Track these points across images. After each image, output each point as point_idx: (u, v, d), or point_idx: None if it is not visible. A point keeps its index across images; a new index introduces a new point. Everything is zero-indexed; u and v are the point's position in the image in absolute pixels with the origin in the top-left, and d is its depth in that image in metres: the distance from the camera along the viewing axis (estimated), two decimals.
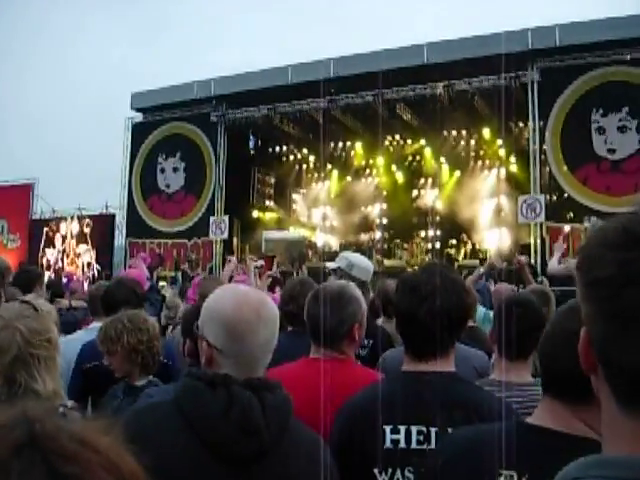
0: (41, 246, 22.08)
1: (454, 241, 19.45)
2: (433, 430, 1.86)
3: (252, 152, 21.90)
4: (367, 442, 1.90)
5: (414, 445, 1.87)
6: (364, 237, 21.59)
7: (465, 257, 18.42)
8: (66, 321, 4.28)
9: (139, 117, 21.41)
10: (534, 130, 15.60)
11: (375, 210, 22.13)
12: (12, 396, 1.90)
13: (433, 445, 1.84)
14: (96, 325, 3.56)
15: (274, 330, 1.69)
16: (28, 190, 23.26)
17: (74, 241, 21.71)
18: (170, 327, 5.42)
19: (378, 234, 21.68)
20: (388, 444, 1.88)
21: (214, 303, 1.71)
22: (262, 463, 1.52)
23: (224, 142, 19.58)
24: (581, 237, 13.09)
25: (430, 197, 21.43)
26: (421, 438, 1.87)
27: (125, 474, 0.62)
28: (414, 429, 1.88)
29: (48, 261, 21.58)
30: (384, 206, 22.01)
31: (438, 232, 20.63)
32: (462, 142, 20.18)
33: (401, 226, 21.11)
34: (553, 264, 6.02)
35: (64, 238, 21.86)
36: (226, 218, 19.25)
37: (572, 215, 14.60)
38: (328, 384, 2.22)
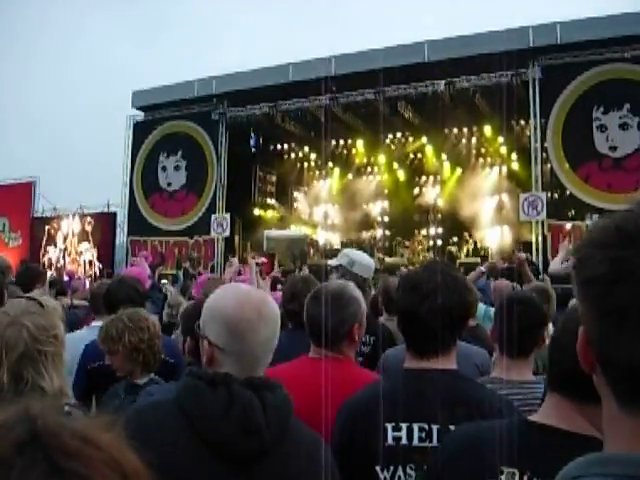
0: (43, 244, 22.10)
1: (455, 239, 19.45)
2: (435, 427, 1.86)
3: (253, 150, 21.91)
4: (369, 440, 1.90)
5: (416, 442, 1.87)
6: (365, 235, 21.61)
7: (467, 255, 18.42)
8: (68, 320, 4.28)
9: (140, 115, 21.42)
10: (535, 128, 15.59)
11: (376, 208, 22.14)
12: (19, 393, 1.89)
13: (435, 442, 1.84)
14: (98, 324, 3.56)
15: (275, 329, 1.69)
16: (29, 188, 23.28)
17: (75, 239, 21.73)
18: (176, 326, 5.42)
19: (379, 232, 21.69)
20: (390, 441, 1.88)
21: (215, 302, 1.71)
22: (263, 462, 1.52)
23: (225, 140, 19.59)
24: (583, 235, 13.08)
25: (431, 195, 21.43)
26: (423, 435, 1.87)
27: (127, 471, 0.62)
28: (416, 426, 1.88)
29: (50, 259, 21.60)
30: (385, 204, 22.02)
31: (439, 230, 20.63)
32: (463, 140, 20.18)
33: (402, 224, 21.12)
34: (555, 264, 6.01)
35: (65, 236, 21.88)
36: (227, 216, 19.26)
37: (574, 213, 14.59)
38: (327, 384, 2.23)
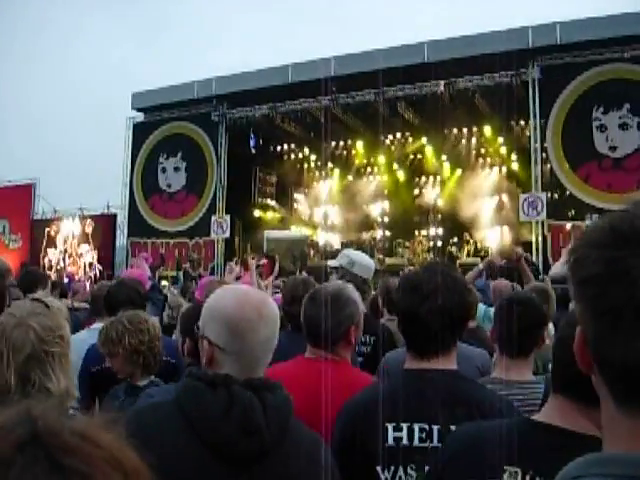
0: (43, 246, 22.10)
1: (456, 239, 19.45)
2: (435, 428, 1.86)
3: (253, 151, 21.89)
4: (369, 440, 1.90)
5: (416, 443, 1.87)
6: (365, 236, 21.59)
7: (468, 255, 18.41)
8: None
9: (140, 117, 21.43)
10: (535, 128, 15.59)
11: (376, 208, 22.13)
12: (26, 395, 1.89)
13: (435, 443, 1.84)
14: (98, 325, 3.56)
15: (275, 329, 1.69)
16: (29, 190, 23.28)
17: (76, 241, 21.73)
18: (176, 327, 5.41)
19: (379, 232, 21.68)
20: (390, 442, 1.88)
21: (215, 302, 1.71)
22: (263, 463, 1.52)
23: (225, 141, 19.59)
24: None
25: (431, 195, 21.42)
26: (423, 436, 1.87)
27: (128, 469, 0.62)
28: (416, 427, 1.88)
29: (50, 261, 21.61)
30: (385, 204, 22.01)
31: (440, 230, 20.62)
32: (463, 140, 20.17)
33: (402, 224, 21.11)
34: (557, 267, 6.00)
35: (66, 238, 21.88)
36: (227, 217, 19.26)
37: (574, 213, 14.59)
38: (321, 384, 2.22)
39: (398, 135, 20.56)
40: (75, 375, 3.20)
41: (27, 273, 5.34)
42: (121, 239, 21.32)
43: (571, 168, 15.00)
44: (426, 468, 1.80)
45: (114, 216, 21.63)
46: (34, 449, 0.59)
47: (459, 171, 20.84)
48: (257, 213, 22.27)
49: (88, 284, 11.83)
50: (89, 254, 21.44)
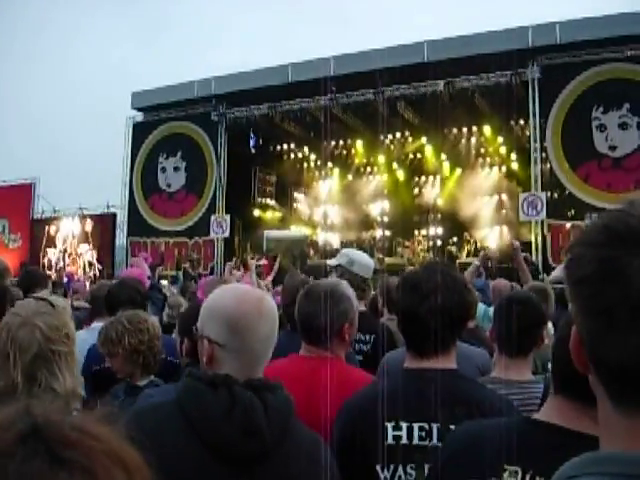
0: (42, 246, 22.09)
1: (455, 239, 19.46)
2: (435, 426, 1.87)
3: (253, 151, 21.89)
4: (369, 439, 1.90)
5: (416, 442, 1.88)
6: (365, 235, 21.60)
7: (468, 255, 18.41)
8: None
9: (140, 116, 21.42)
10: (535, 127, 15.59)
11: (376, 208, 22.13)
12: (32, 395, 1.87)
13: (435, 442, 1.85)
14: (97, 325, 3.56)
15: (274, 326, 1.69)
16: (29, 190, 23.27)
17: (75, 241, 21.73)
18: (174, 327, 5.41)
19: (379, 232, 21.69)
20: (390, 441, 1.88)
21: (214, 301, 1.71)
22: (263, 464, 1.52)
23: (225, 141, 19.59)
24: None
25: (431, 195, 21.43)
26: (423, 435, 1.88)
27: (128, 463, 0.63)
28: (416, 426, 1.88)
29: (50, 261, 21.60)
30: (385, 204, 22.01)
31: (439, 230, 20.63)
32: (463, 140, 20.17)
33: (402, 224, 21.12)
34: (558, 271, 5.99)
35: (65, 238, 21.87)
36: (227, 217, 19.26)
37: (573, 212, 14.60)
38: (314, 382, 2.22)
39: (398, 135, 20.56)
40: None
41: (27, 273, 5.34)
42: (121, 238, 21.32)
43: (571, 167, 15.00)
44: (426, 467, 1.80)
45: (114, 216, 21.63)
46: (34, 443, 0.59)
47: (459, 171, 20.84)
48: (257, 213, 22.27)
49: (88, 284, 11.83)
50: (89, 254, 21.44)
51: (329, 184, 22.68)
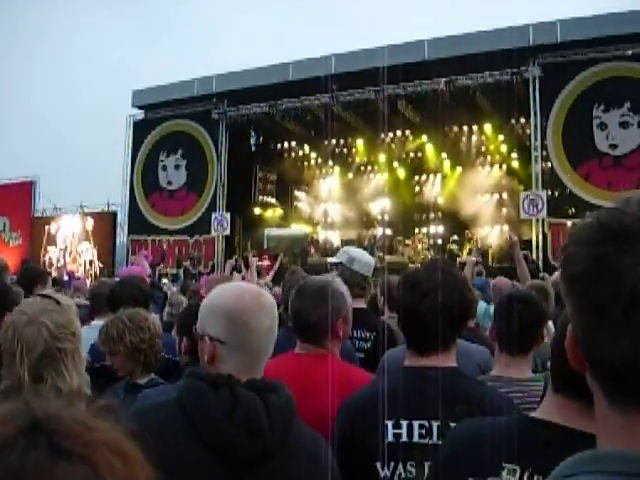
0: (43, 244, 22.11)
1: (456, 237, 19.46)
2: (435, 424, 1.87)
3: (253, 149, 21.91)
4: (369, 437, 1.90)
5: (416, 439, 1.88)
6: (366, 233, 21.59)
7: (469, 253, 18.39)
8: None
9: (140, 114, 21.43)
10: (535, 126, 15.60)
11: (377, 206, 22.12)
12: (38, 394, 1.87)
13: (435, 439, 1.85)
14: (97, 323, 3.56)
15: (274, 321, 1.69)
16: (30, 188, 23.29)
17: (76, 239, 21.75)
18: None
19: (380, 230, 21.68)
20: (390, 438, 1.88)
21: (214, 299, 1.71)
22: (265, 464, 1.52)
23: (225, 139, 19.60)
24: None
25: (432, 193, 21.43)
26: (423, 432, 1.88)
27: (127, 454, 0.63)
28: (416, 423, 1.88)
29: (50, 259, 21.61)
30: (386, 202, 22.00)
31: (440, 228, 20.62)
32: (463, 138, 20.17)
33: (403, 222, 21.11)
34: (556, 275, 5.98)
35: (66, 236, 21.89)
36: (228, 215, 19.27)
37: (574, 211, 14.60)
38: (309, 379, 2.22)
39: (398, 133, 20.57)
40: None
41: (27, 270, 5.34)
42: (121, 237, 21.36)
43: (571, 166, 15.00)
44: (426, 465, 1.80)
45: (114, 214, 21.66)
46: (34, 435, 0.59)
47: (459, 169, 20.84)
48: (257, 211, 22.28)
49: (88, 282, 11.84)
50: (89, 252, 21.46)
51: (330, 182, 22.68)
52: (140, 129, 21.17)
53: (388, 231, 21.63)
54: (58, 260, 21.40)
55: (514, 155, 19.09)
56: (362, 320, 3.51)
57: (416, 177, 22.18)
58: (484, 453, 1.34)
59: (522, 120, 17.58)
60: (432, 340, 1.94)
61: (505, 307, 2.60)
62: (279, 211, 23.27)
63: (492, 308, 3.90)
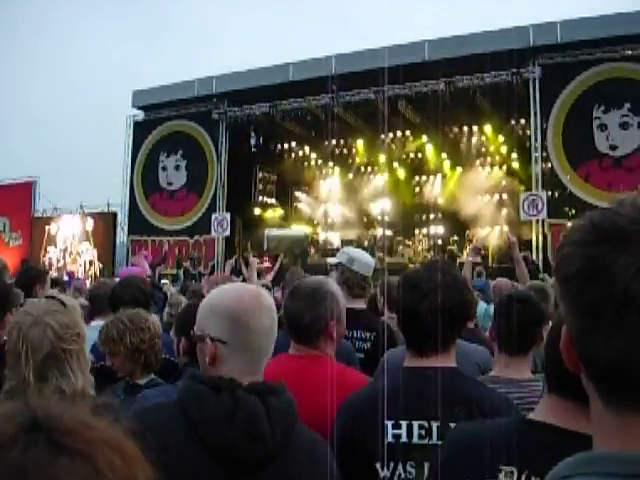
0: (43, 244, 22.11)
1: (456, 238, 19.46)
2: (434, 425, 1.87)
3: (254, 150, 21.90)
4: (369, 437, 1.90)
5: (416, 440, 1.88)
6: (366, 234, 21.59)
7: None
8: None
9: (140, 115, 21.43)
10: (535, 127, 15.60)
11: (377, 207, 22.13)
12: (43, 395, 1.87)
13: (435, 440, 1.85)
14: (97, 323, 3.56)
15: (274, 320, 1.69)
16: (30, 188, 23.29)
17: (76, 239, 21.74)
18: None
19: (380, 231, 21.68)
20: (390, 439, 1.89)
21: (213, 300, 1.71)
22: (266, 468, 1.51)
23: (225, 140, 19.60)
24: None
25: (432, 194, 21.43)
26: (423, 433, 1.88)
27: (126, 451, 0.64)
28: (415, 424, 1.89)
29: (50, 259, 21.61)
30: (386, 203, 22.01)
31: (440, 229, 20.62)
32: (464, 139, 20.18)
33: (403, 223, 21.11)
34: None
35: (66, 236, 21.88)
36: (228, 216, 19.26)
37: (574, 212, 14.59)
38: (302, 380, 2.22)
39: (398, 134, 20.57)
40: None
41: (25, 270, 5.33)
42: (121, 237, 21.35)
43: (572, 167, 15.00)
44: (425, 465, 1.81)
45: (114, 214, 21.65)
46: (35, 433, 0.60)
47: (459, 169, 20.84)
48: (257, 211, 22.29)
49: (88, 282, 11.84)
50: (89, 252, 21.45)
51: (330, 183, 22.68)
52: (140, 129, 21.17)
53: (388, 232, 21.64)
54: (58, 260, 21.40)
55: (514, 156, 19.09)
56: (362, 320, 3.51)
57: (416, 178, 22.18)
58: (481, 455, 1.35)
59: (522, 121, 17.58)
60: (432, 341, 1.94)
61: (504, 307, 2.60)
62: (279, 212, 23.27)
63: (492, 309, 3.90)
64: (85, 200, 22.48)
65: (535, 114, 15.57)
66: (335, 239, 21.46)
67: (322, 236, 21.85)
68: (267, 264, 15.45)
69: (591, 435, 0.76)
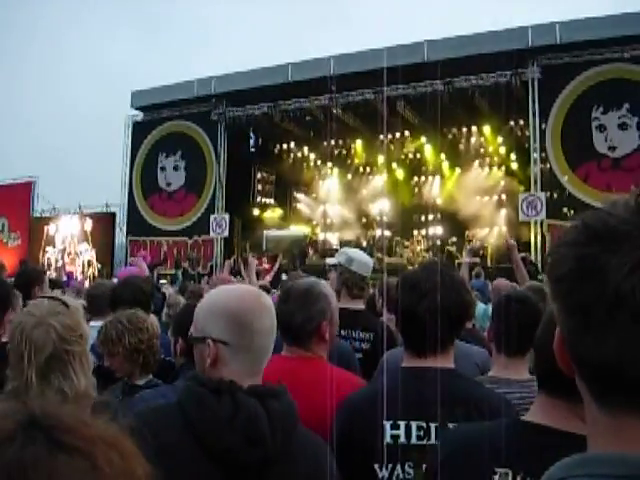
0: (42, 245, 22.09)
1: (455, 238, 19.47)
2: (433, 425, 1.87)
3: (252, 150, 21.91)
4: (367, 438, 1.90)
5: (414, 440, 1.88)
6: (365, 235, 21.61)
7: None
8: None
9: (139, 116, 21.43)
10: (534, 127, 15.61)
11: (376, 208, 22.14)
12: (44, 396, 1.86)
13: (433, 441, 1.85)
14: (95, 324, 3.56)
15: (274, 321, 1.69)
16: (29, 188, 23.27)
17: (75, 240, 21.73)
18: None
19: (378, 232, 21.69)
20: (388, 439, 1.88)
21: (214, 301, 1.69)
22: (267, 471, 1.51)
23: (224, 140, 19.60)
24: None
25: (431, 195, 21.45)
26: (421, 433, 1.88)
27: (124, 449, 0.64)
28: (414, 425, 1.89)
29: (49, 259, 21.59)
30: (385, 203, 22.02)
31: (439, 230, 20.64)
32: (462, 139, 20.20)
33: (402, 224, 21.13)
34: None
35: (65, 237, 21.87)
36: (226, 216, 19.26)
37: (573, 213, 14.60)
38: (294, 382, 2.21)
39: (397, 134, 20.58)
40: None
41: (24, 271, 5.32)
42: (120, 238, 21.33)
43: (570, 168, 15.01)
44: (424, 466, 1.80)
45: (113, 215, 21.64)
46: (33, 430, 0.60)
47: (458, 170, 20.86)
48: (256, 212, 22.29)
49: (87, 283, 11.84)
50: (88, 253, 21.43)
51: (329, 183, 22.70)
52: (139, 130, 21.17)
53: (387, 232, 21.65)
54: (57, 261, 21.38)
55: (513, 156, 19.12)
56: (361, 321, 3.52)
57: (415, 178, 22.21)
58: (476, 457, 1.35)
59: (521, 121, 17.61)
60: (430, 341, 1.94)
61: (502, 308, 2.60)
62: (278, 212, 23.28)
63: (491, 309, 3.90)
64: (84, 200, 22.48)
65: (534, 115, 15.58)
66: (334, 240, 21.47)
67: (321, 236, 21.86)
68: (266, 266, 15.45)
69: (582, 434, 0.76)
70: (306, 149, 22.39)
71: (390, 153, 21.19)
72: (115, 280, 6.03)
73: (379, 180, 21.98)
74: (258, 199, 22.74)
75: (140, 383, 2.96)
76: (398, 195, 21.69)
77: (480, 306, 6.14)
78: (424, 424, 1.88)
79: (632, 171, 14.25)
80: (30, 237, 22.65)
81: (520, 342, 2.49)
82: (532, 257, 13.80)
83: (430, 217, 20.89)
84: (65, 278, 13.74)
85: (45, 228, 22.20)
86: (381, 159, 21.30)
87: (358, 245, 18.08)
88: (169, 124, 20.55)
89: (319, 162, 22.61)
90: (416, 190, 22.19)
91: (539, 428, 1.39)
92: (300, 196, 24.23)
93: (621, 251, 0.67)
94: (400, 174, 21.97)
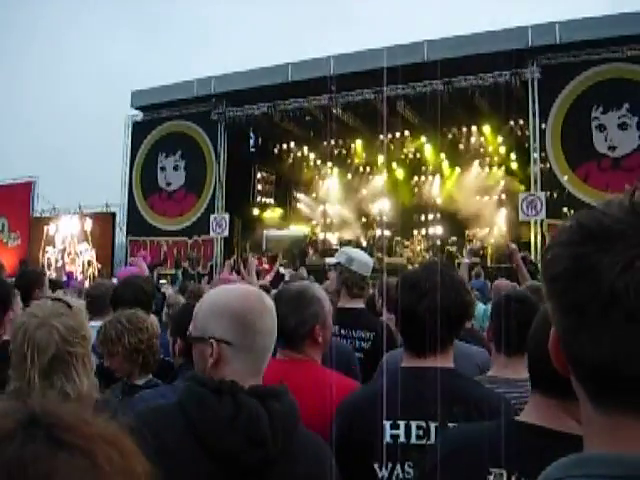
0: (42, 245, 22.08)
1: (455, 238, 19.47)
2: (432, 425, 1.87)
3: (252, 150, 21.91)
4: (367, 437, 1.91)
5: (414, 440, 1.88)
6: (365, 234, 21.61)
7: None
8: None
9: (139, 115, 21.42)
10: (534, 127, 15.60)
11: (376, 207, 22.14)
12: (47, 397, 1.86)
13: (433, 440, 1.85)
14: (94, 324, 3.55)
15: (275, 321, 1.69)
16: (28, 188, 23.26)
17: (75, 240, 21.72)
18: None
19: (378, 231, 21.69)
20: (388, 439, 1.89)
21: (216, 301, 1.68)
22: (268, 471, 1.51)
23: (224, 140, 19.59)
24: None
25: (430, 194, 21.45)
26: (421, 433, 1.88)
27: (124, 447, 0.64)
28: (413, 424, 1.89)
29: (49, 259, 21.59)
30: (384, 203, 22.02)
31: (439, 229, 20.63)
32: (462, 139, 20.19)
33: (402, 223, 21.13)
34: None
35: (65, 237, 21.86)
36: (226, 216, 19.25)
37: (573, 212, 14.56)
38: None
39: (397, 134, 20.57)
40: None
41: (24, 273, 5.31)
42: (120, 237, 21.32)
43: (570, 167, 15.01)
44: None
45: (113, 214, 21.62)
46: (33, 429, 0.60)
47: (458, 170, 20.86)
48: (256, 212, 22.29)
49: (87, 282, 11.84)
50: (88, 253, 21.43)
51: (329, 183, 22.70)
52: (139, 130, 21.16)
53: (387, 232, 21.64)
54: (57, 261, 21.39)
55: (513, 156, 19.12)
56: (361, 320, 3.52)
57: (415, 178, 22.20)
58: (471, 458, 1.35)
59: (521, 121, 17.61)
60: (430, 341, 1.94)
61: (502, 308, 2.60)
62: (278, 212, 23.28)
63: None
64: (84, 200, 22.46)
65: (534, 114, 15.58)
66: (334, 239, 21.47)
67: (321, 236, 21.86)
68: (266, 266, 15.45)
69: (576, 434, 0.76)
70: (306, 149, 22.39)
71: (390, 153, 21.19)
72: (115, 280, 6.03)
73: (379, 180, 21.97)
74: (258, 199, 22.73)
75: (140, 383, 2.96)
76: (398, 195, 21.69)
77: (480, 306, 6.14)
78: (424, 424, 1.88)
79: (632, 171, 14.24)
80: (30, 237, 22.63)
81: (519, 342, 2.48)
82: (532, 257, 13.78)
83: (430, 217, 20.89)
84: (65, 278, 13.76)
85: (45, 228, 22.19)
86: (381, 159, 21.29)
87: (358, 245, 18.08)
88: (169, 124, 20.55)
89: (319, 162, 22.61)
90: (416, 190, 22.18)
91: (533, 428, 1.39)
92: (300, 196, 24.23)
93: (615, 250, 0.67)
94: (400, 174, 21.97)
